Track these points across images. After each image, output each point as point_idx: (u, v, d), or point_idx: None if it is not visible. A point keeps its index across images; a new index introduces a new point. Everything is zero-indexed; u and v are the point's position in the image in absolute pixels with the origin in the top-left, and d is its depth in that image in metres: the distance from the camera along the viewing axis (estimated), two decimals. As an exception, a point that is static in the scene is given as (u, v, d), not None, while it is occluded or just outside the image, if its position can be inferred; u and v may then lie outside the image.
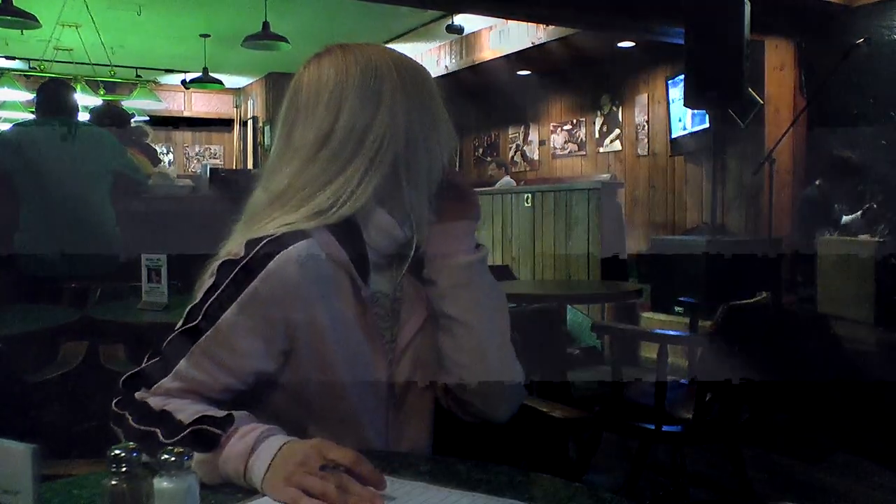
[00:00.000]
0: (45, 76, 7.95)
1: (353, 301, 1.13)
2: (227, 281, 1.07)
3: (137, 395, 1.07)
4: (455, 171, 1.25)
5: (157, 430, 1.00)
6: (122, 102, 8.24)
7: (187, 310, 1.10)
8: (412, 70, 1.18)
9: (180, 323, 1.09)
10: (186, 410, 1.03)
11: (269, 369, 1.11)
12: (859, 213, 4.77)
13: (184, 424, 1.00)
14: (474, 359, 1.19)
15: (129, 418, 1.04)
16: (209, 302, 1.08)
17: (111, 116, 4.79)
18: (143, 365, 1.10)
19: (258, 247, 1.08)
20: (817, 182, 5.18)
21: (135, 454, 0.78)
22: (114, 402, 1.08)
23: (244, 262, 1.07)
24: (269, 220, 1.12)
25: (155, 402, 1.06)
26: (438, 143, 1.18)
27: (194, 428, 0.99)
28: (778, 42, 6.12)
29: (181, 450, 0.81)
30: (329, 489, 0.90)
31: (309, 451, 0.95)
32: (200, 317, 1.07)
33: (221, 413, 1.01)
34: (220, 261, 1.10)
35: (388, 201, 1.15)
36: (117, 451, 0.77)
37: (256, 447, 0.97)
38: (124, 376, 1.10)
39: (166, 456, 0.79)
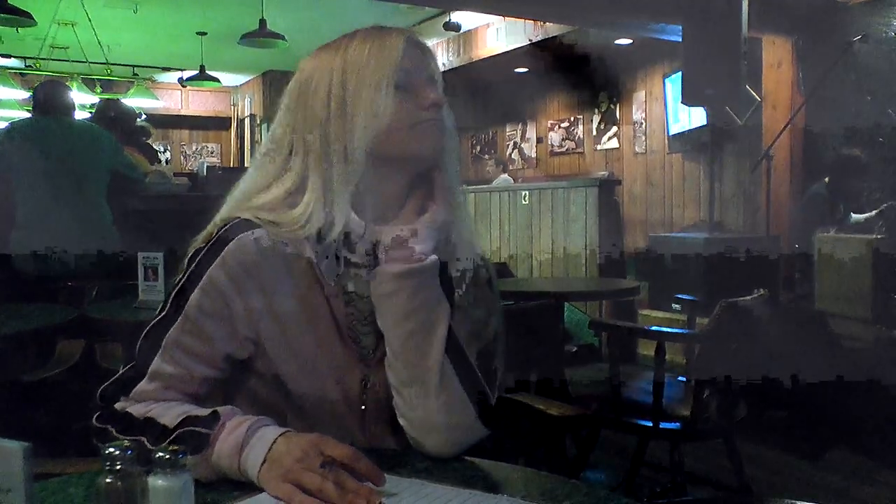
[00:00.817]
0: (42, 74, 7.94)
1: (317, 295, 1.10)
2: (191, 267, 1.09)
3: (118, 405, 1.06)
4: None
5: (144, 439, 0.99)
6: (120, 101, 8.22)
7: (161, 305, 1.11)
8: (352, 61, 1.12)
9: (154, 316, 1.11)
10: (170, 413, 1.02)
11: (240, 355, 1.11)
12: (876, 211, 4.72)
13: (170, 428, 0.99)
14: (400, 384, 1.09)
15: (113, 431, 1.02)
16: (175, 291, 1.09)
17: (117, 115, 4.74)
18: (118, 374, 1.09)
19: (219, 231, 1.09)
20: (826, 179, 5.16)
21: (129, 452, 0.78)
22: (94, 418, 1.06)
23: (206, 247, 1.09)
24: (244, 194, 1.15)
25: (137, 409, 1.05)
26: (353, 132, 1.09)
27: (181, 430, 0.98)
28: (775, 39, 6.12)
29: (175, 447, 0.80)
30: (327, 486, 0.90)
31: (307, 447, 0.94)
32: (168, 305, 1.09)
33: (206, 411, 1.01)
34: (194, 247, 1.11)
35: (344, 194, 1.10)
36: (111, 450, 0.77)
37: (248, 440, 0.96)
38: (101, 389, 1.08)
39: (161, 454, 0.79)
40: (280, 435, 0.97)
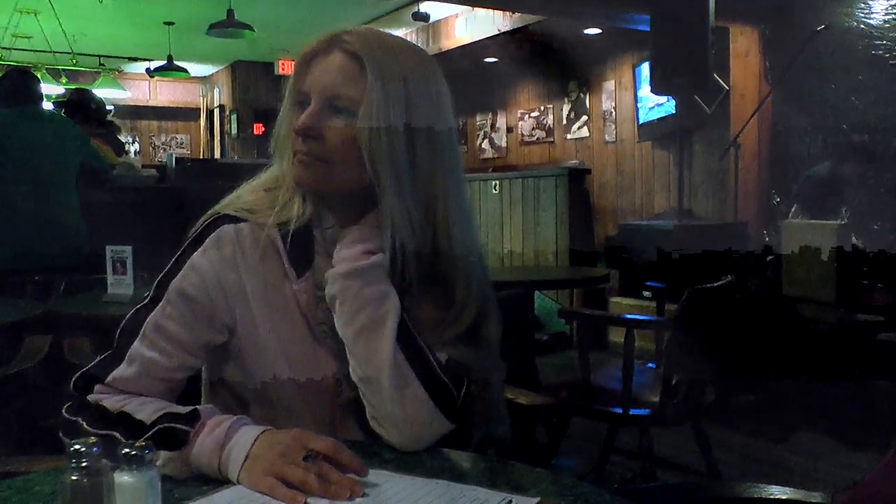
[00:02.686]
0: (5, 64, 7.81)
1: (285, 290, 1.13)
2: (178, 255, 1.14)
3: (91, 397, 1.07)
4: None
5: (117, 434, 0.98)
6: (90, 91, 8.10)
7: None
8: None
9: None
10: (146, 409, 1.02)
11: (217, 341, 1.13)
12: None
13: (147, 424, 0.99)
14: (358, 381, 1.09)
15: (84, 423, 1.02)
16: (159, 278, 1.13)
17: (88, 106, 4.66)
18: (94, 362, 1.10)
19: (206, 221, 1.15)
20: (826, 163, 5.15)
21: (95, 449, 0.77)
22: (64, 408, 1.06)
23: (191, 237, 1.14)
24: (234, 194, 1.19)
25: (111, 403, 1.05)
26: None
27: (161, 427, 0.98)
28: (743, 29, 6.18)
29: (142, 443, 0.80)
30: (309, 478, 0.90)
31: (290, 442, 0.95)
32: (152, 292, 1.12)
33: (185, 409, 1.01)
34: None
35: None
36: (77, 446, 0.76)
37: (229, 438, 0.97)
38: (74, 378, 1.09)
39: (127, 450, 0.78)
40: (261, 433, 0.98)
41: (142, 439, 0.94)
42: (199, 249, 1.12)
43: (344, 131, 1.08)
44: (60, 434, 1.04)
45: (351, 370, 1.10)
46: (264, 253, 1.12)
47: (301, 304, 1.12)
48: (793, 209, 5.17)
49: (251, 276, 1.12)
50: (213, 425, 0.98)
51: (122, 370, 1.08)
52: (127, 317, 1.12)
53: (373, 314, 1.08)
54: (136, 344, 1.09)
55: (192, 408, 1.01)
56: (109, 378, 1.08)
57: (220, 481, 0.95)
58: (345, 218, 1.14)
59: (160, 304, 1.10)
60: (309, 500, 0.89)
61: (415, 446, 1.07)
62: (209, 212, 1.17)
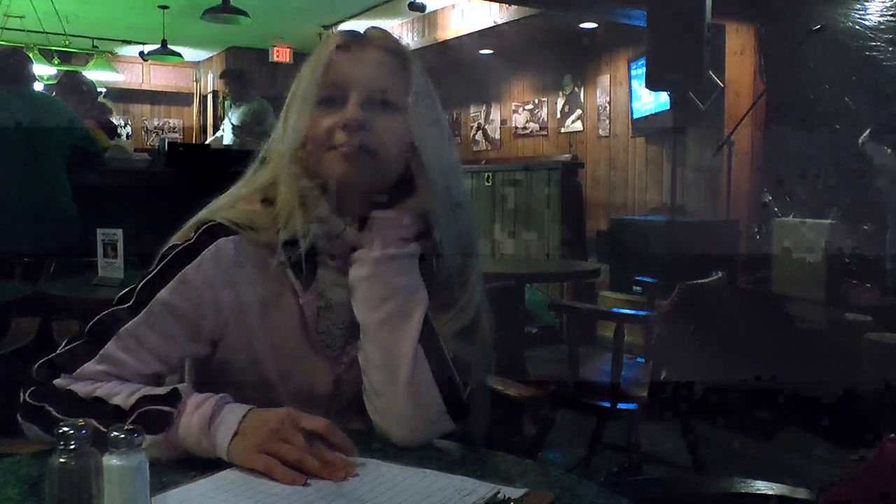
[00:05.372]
0: (-4, 44, 7.74)
1: (290, 304, 1.10)
2: (163, 263, 1.08)
3: (57, 382, 1.03)
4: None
5: (93, 420, 0.96)
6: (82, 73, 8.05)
7: (122, 292, 1.08)
8: (301, 70, 1.14)
9: (114, 302, 1.07)
10: (121, 393, 1.00)
11: (198, 354, 1.10)
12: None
13: (125, 409, 0.97)
14: (369, 368, 1.07)
15: (52, 410, 0.99)
16: (144, 282, 1.07)
17: (79, 88, 4.63)
18: (61, 349, 1.06)
19: (198, 232, 1.09)
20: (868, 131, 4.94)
21: (84, 431, 0.76)
22: (27, 393, 1.02)
23: (183, 245, 1.08)
24: (225, 201, 1.14)
25: (81, 388, 1.01)
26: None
27: (142, 410, 0.96)
28: (738, 26, 6.17)
29: (131, 426, 0.80)
30: (305, 457, 0.90)
31: (282, 419, 0.94)
32: (134, 297, 1.06)
33: (164, 389, 0.99)
34: (170, 244, 1.11)
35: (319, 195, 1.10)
36: (65, 429, 0.76)
37: (216, 416, 0.95)
38: (38, 363, 1.05)
39: (116, 433, 0.78)
40: (249, 410, 0.97)
41: (121, 425, 0.93)
42: (194, 263, 1.06)
43: (395, 123, 1.09)
44: (20, 418, 1.01)
45: (361, 355, 1.08)
46: (266, 269, 1.08)
47: (306, 317, 1.10)
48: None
49: (250, 292, 1.08)
50: (196, 403, 0.97)
51: (91, 366, 1.03)
52: (103, 316, 1.06)
53: (402, 303, 1.07)
54: (110, 346, 1.04)
55: (171, 387, 0.99)
56: (77, 372, 1.03)
57: (206, 465, 0.94)
58: (368, 210, 1.11)
59: (142, 313, 1.04)
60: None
61: (416, 443, 1.05)
62: (201, 216, 1.12)
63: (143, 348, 1.05)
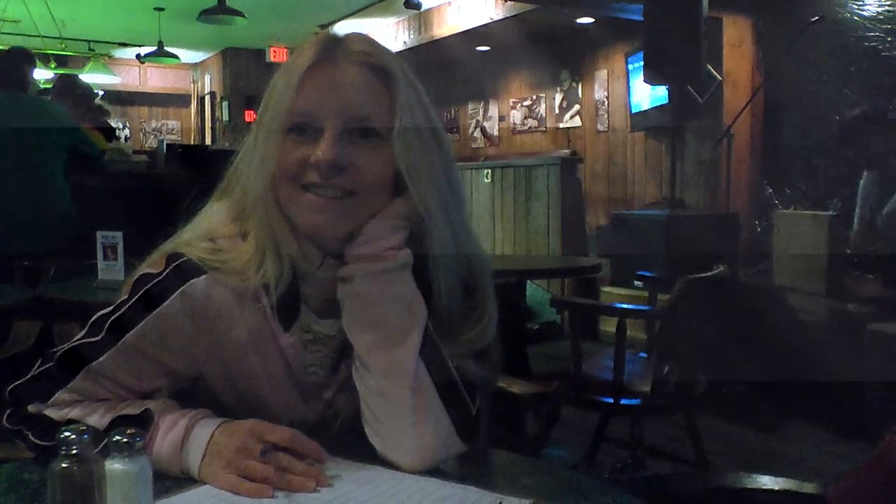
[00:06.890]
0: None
1: (271, 347, 1.02)
2: (136, 297, 0.99)
3: (31, 408, 0.99)
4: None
5: None
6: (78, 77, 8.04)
7: (93, 318, 1.01)
8: (269, 88, 1.01)
9: (82, 332, 1.01)
10: (94, 414, 0.98)
11: (175, 387, 1.04)
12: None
13: (100, 429, 0.94)
14: (368, 395, 0.98)
15: (29, 434, 0.97)
16: (113, 318, 0.99)
17: (76, 92, 4.63)
18: (35, 372, 1.02)
19: (172, 266, 0.99)
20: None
21: (85, 436, 0.76)
22: (5, 416, 1.00)
23: (157, 279, 0.99)
24: (199, 230, 1.04)
25: (55, 413, 0.99)
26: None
27: (112, 434, 0.88)
28: (736, 19, 6.16)
29: (132, 431, 0.79)
30: (270, 472, 0.89)
31: (246, 436, 0.93)
32: (104, 333, 0.99)
33: (138, 408, 0.97)
34: (142, 272, 1.01)
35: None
36: (67, 433, 0.75)
37: (187, 437, 0.94)
38: (12, 386, 1.01)
39: (118, 437, 0.78)
40: (217, 427, 0.94)
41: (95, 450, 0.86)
42: (165, 305, 0.97)
43: (377, 156, 0.97)
44: (10, 438, 1.00)
45: (359, 383, 0.99)
46: (242, 311, 0.99)
47: (288, 357, 1.02)
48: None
49: (225, 337, 1.00)
50: (169, 425, 0.95)
51: (62, 395, 0.99)
52: (70, 347, 1.00)
53: (398, 321, 0.97)
54: (80, 380, 0.99)
55: (144, 408, 0.96)
56: (50, 401, 1.00)
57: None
58: (349, 240, 1.00)
59: (111, 352, 0.98)
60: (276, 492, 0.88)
61: (423, 469, 0.95)
62: (169, 247, 1.02)
63: (114, 382, 1.00)
